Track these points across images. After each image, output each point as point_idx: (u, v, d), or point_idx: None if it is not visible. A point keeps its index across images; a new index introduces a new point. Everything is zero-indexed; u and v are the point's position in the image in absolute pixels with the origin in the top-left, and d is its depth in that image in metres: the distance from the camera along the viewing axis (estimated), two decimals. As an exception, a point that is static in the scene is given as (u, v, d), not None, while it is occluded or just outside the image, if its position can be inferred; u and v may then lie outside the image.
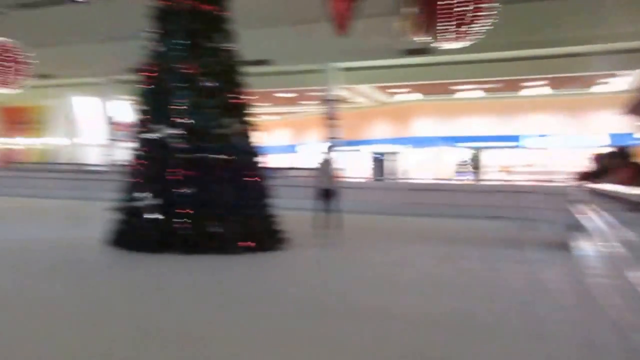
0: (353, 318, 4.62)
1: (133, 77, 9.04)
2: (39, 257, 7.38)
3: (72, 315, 4.61)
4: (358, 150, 26.83)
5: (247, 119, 8.32)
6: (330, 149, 9.95)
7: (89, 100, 24.98)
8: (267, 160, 9.00)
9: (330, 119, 19.24)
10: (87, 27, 22.85)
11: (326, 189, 9.10)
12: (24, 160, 27.85)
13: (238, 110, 8.15)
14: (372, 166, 27.56)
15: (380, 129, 27.49)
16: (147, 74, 8.04)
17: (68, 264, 6.97)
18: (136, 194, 7.67)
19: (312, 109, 26.61)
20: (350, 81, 20.17)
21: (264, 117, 29.23)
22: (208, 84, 7.80)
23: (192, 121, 7.68)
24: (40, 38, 23.05)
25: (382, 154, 27.56)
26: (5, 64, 19.09)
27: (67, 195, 18.51)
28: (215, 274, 6.47)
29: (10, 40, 19.48)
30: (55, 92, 24.70)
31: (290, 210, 9.31)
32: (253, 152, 8.34)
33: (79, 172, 22.59)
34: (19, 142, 28.78)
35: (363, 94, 24.23)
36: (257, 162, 8.37)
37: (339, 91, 19.94)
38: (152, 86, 7.96)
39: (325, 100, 19.53)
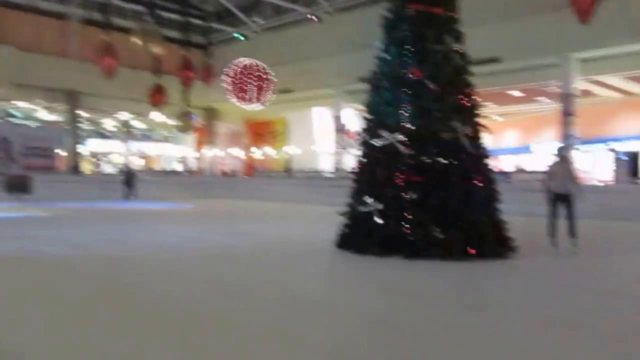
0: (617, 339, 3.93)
1: (362, 86, 9.39)
2: (278, 253, 8.17)
3: (329, 309, 4.90)
4: (600, 149, 23.59)
5: (475, 120, 7.95)
6: (565, 148, 8.87)
7: (323, 111, 27.02)
8: (496, 163, 8.45)
9: (566, 116, 17.30)
10: (320, 43, 24.92)
11: (561, 193, 8.13)
12: (266, 168, 31.56)
13: (466, 113, 7.82)
14: (616, 166, 23.92)
15: (628, 125, 23.74)
16: (374, 81, 8.25)
17: (302, 261, 7.56)
18: (363, 199, 7.90)
19: (544, 107, 24.39)
20: (590, 72, 17.84)
21: (493, 118, 27.82)
22: (436, 87, 7.64)
23: (419, 126, 7.62)
24: (280, 57, 25.96)
25: (629, 152, 23.74)
26: (253, 82, 21.87)
27: (303, 200, 20.31)
28: (447, 278, 6.32)
29: (256, 61, 22.28)
30: (293, 105, 27.35)
31: (520, 216, 8.63)
32: (481, 155, 7.92)
33: (314, 179, 24.65)
34: (262, 152, 32.64)
35: (606, 85, 21.24)
36: (485, 166, 7.93)
37: (577, 84, 17.79)
38: (379, 93, 8.13)
39: (561, 96, 17.63)
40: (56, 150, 23.51)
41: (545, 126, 25.24)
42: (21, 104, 28.42)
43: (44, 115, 32.20)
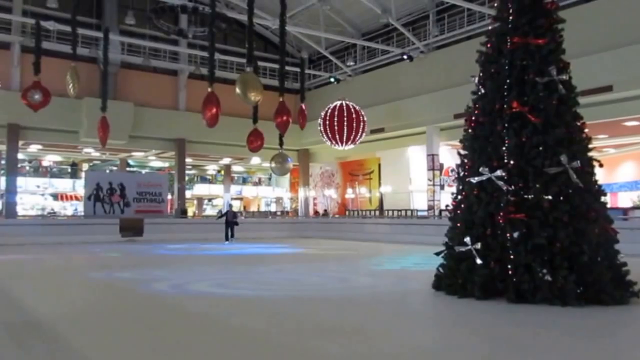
0: None
1: (457, 122, 9.24)
2: (371, 294, 8.02)
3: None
4: None
5: (585, 154, 7.46)
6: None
7: (417, 149, 26.78)
8: (611, 199, 7.82)
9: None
10: (413, 82, 24.97)
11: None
12: (359, 207, 31.57)
13: (574, 145, 7.36)
14: None
15: None
16: (471, 117, 8.07)
17: (397, 304, 7.36)
18: (461, 238, 7.61)
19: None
20: None
21: (608, 150, 25.92)
22: (538, 120, 7.31)
23: (520, 161, 7.29)
24: (372, 97, 26.30)
25: None
26: (346, 123, 22.22)
27: (397, 239, 19.99)
28: (558, 326, 5.77)
29: (348, 102, 22.69)
30: (386, 144, 27.40)
31: (642, 258, 7.82)
32: (593, 190, 7.36)
33: (408, 218, 24.28)
34: (355, 192, 32.77)
35: None
36: (598, 202, 7.35)
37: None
38: (476, 128, 7.91)
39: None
40: (165, 195, 25.21)
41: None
42: (137, 153, 31.04)
43: (155, 162, 34.94)
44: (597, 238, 7.03)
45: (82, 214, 24.76)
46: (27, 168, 32.75)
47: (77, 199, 31.80)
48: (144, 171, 35.07)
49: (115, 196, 23.35)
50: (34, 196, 31.99)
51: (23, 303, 7.39)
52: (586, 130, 7.67)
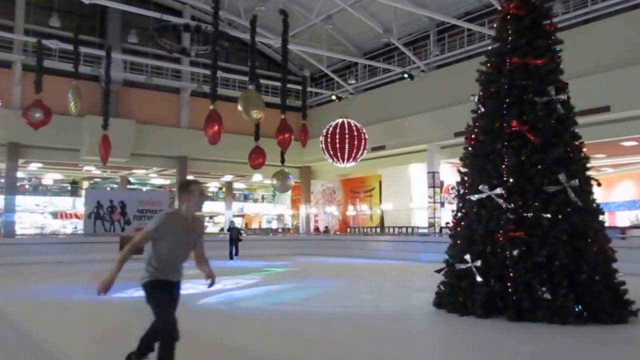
0: None
1: (457, 141, 9.31)
2: (372, 313, 8.00)
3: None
4: None
5: (584, 173, 7.53)
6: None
7: (417, 166, 26.87)
8: (609, 218, 7.86)
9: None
10: (414, 100, 25.15)
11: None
12: (360, 224, 31.56)
13: (573, 165, 7.43)
14: None
15: None
16: (472, 135, 8.15)
17: (398, 322, 7.35)
18: (462, 255, 7.63)
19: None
20: None
21: (606, 170, 25.97)
22: (537, 139, 7.39)
23: (520, 179, 7.35)
24: (374, 115, 26.46)
25: None
26: (348, 141, 22.32)
27: (397, 256, 19.96)
28: (558, 345, 5.77)
29: (350, 120, 22.83)
30: (387, 162, 27.49)
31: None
32: (591, 209, 7.41)
33: (409, 235, 24.27)
34: (356, 209, 32.80)
35: None
36: (596, 221, 7.39)
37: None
38: (477, 147, 7.99)
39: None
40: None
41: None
42: (138, 170, 31.14)
43: (156, 180, 35.03)
44: (595, 257, 7.07)
45: (82, 232, 24.73)
46: (27, 186, 32.82)
47: (77, 217, 31.80)
48: (145, 189, 35.13)
49: (116, 214, 23.35)
50: (33, 215, 31.98)
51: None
52: (584, 149, 7.76)
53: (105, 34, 26.68)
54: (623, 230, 17.28)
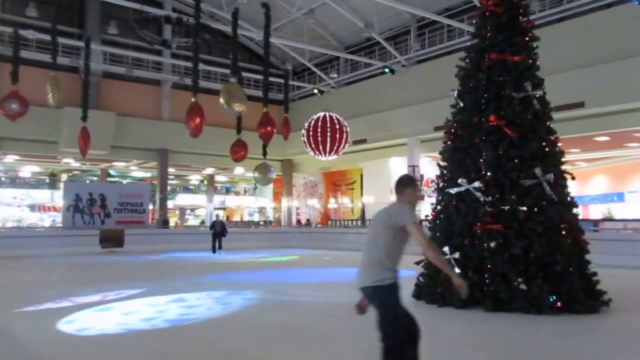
0: None
1: (437, 135, 9.44)
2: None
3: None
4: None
5: (558, 167, 7.73)
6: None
7: (398, 160, 27.08)
8: (583, 211, 8.09)
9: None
10: (395, 94, 25.33)
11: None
12: (341, 217, 31.73)
13: (548, 159, 7.62)
14: None
15: None
16: (451, 130, 8.30)
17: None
18: (440, 248, 7.76)
19: (638, 152, 22.99)
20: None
21: (580, 164, 26.50)
22: (514, 134, 7.55)
23: (497, 173, 7.51)
24: (355, 109, 26.57)
25: None
26: (329, 134, 22.37)
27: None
28: (532, 334, 5.95)
29: (332, 113, 22.89)
30: (368, 155, 27.66)
31: (612, 268, 8.05)
32: (566, 203, 7.62)
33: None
34: (338, 202, 32.96)
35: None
36: (570, 214, 7.61)
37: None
38: (456, 141, 8.13)
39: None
40: (147, 205, 25.04)
41: (638, 173, 23.72)
42: (118, 163, 30.81)
43: (137, 173, 34.68)
44: (569, 249, 7.27)
45: (61, 225, 24.44)
46: (4, 179, 32.23)
47: (55, 210, 31.38)
48: (125, 181, 34.80)
49: (96, 207, 23.14)
50: (9, 208, 31.44)
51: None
52: (559, 144, 7.95)
53: (84, 25, 26.24)
54: (596, 222, 17.72)
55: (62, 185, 30.04)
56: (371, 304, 3.61)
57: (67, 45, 24.09)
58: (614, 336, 6.12)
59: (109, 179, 33.04)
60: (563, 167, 7.86)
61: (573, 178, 7.93)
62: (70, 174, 34.77)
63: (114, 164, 30.86)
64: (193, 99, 17.25)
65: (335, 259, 17.70)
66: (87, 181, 34.01)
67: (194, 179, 38.86)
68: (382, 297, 3.53)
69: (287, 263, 16.68)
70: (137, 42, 26.25)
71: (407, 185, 3.80)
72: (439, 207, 8.23)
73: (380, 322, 3.51)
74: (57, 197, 29.74)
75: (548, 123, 7.93)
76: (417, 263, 8.32)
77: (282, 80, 27.09)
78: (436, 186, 8.49)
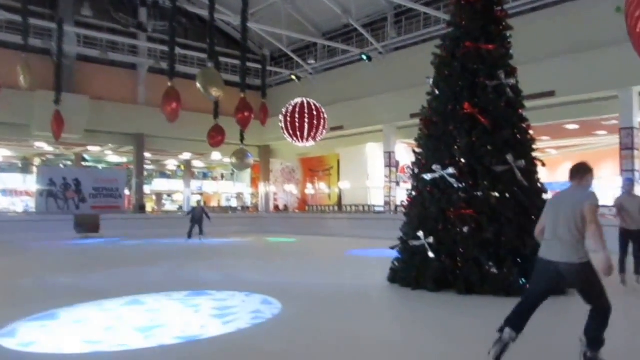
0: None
1: (413, 122, 9.56)
2: (330, 288, 8.29)
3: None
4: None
5: (530, 154, 7.94)
6: (628, 183, 8.62)
7: (374, 146, 27.29)
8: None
9: (627, 150, 16.76)
10: (372, 82, 25.43)
11: (631, 229, 7.85)
12: (318, 203, 31.91)
13: (520, 146, 7.83)
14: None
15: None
16: (426, 117, 8.44)
17: (354, 297, 7.66)
18: (415, 233, 7.96)
19: (604, 141, 23.64)
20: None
21: (550, 152, 27.09)
22: (487, 121, 7.71)
23: (471, 160, 7.67)
24: (333, 96, 26.62)
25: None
26: (307, 120, 22.39)
27: (354, 234, 20.40)
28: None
29: (309, 100, 22.90)
30: (345, 142, 27.79)
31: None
32: (537, 189, 7.86)
33: (365, 213, 24.76)
34: (315, 188, 33.12)
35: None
36: (541, 200, 7.84)
37: (639, 118, 17.22)
38: (431, 128, 8.28)
39: (621, 130, 17.12)
40: (122, 190, 24.78)
41: (606, 160, 24.37)
42: (93, 148, 30.34)
43: (112, 158, 34.21)
44: (539, 233, 7.51)
45: (34, 210, 24.05)
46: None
47: (28, 195, 30.82)
48: (100, 166, 34.31)
49: (70, 192, 22.82)
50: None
51: None
52: (531, 132, 8.17)
53: (57, 6, 25.59)
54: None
55: (35, 169, 29.47)
56: (570, 277, 4.10)
57: (38, 26, 23.51)
58: (578, 316, 6.39)
59: (83, 163, 32.54)
60: (534, 155, 8.06)
61: (543, 165, 8.16)
62: (43, 159, 34.11)
63: (89, 148, 30.39)
64: (169, 84, 17.09)
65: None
66: (61, 166, 33.42)
67: (171, 164, 38.50)
68: (587, 271, 4.01)
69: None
70: (111, 25, 25.75)
71: (588, 172, 4.25)
72: (414, 193, 8.38)
73: (589, 291, 4.07)
74: (30, 182, 29.20)
75: (520, 111, 8.12)
76: (392, 248, 8.53)
77: (259, 66, 26.94)
78: (411, 172, 8.64)
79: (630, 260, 7.94)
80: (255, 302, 6.95)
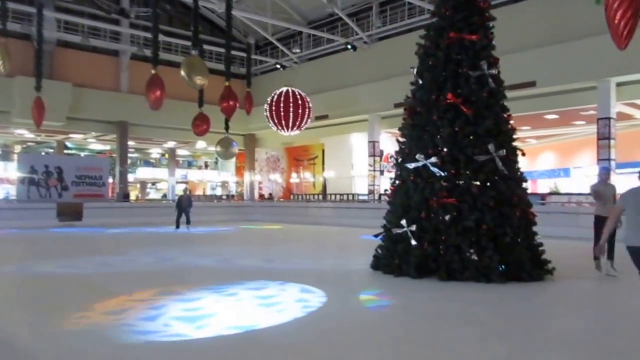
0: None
1: (397, 111, 9.64)
2: (313, 275, 8.41)
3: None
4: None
5: (510, 144, 8.09)
6: (604, 172, 8.85)
7: (358, 136, 27.41)
8: (532, 186, 8.52)
9: (604, 140, 17.11)
10: (356, 71, 25.48)
11: (605, 216, 8.07)
12: (303, 192, 32.01)
13: (501, 136, 7.96)
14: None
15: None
16: (410, 107, 8.53)
17: (338, 283, 7.78)
18: (398, 221, 8.08)
19: (582, 130, 24.08)
20: (629, 96, 17.63)
21: (530, 141, 27.49)
22: (470, 111, 7.83)
23: (453, 149, 7.79)
24: (317, 85, 26.63)
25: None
26: (292, 109, 22.42)
27: (339, 222, 20.54)
28: (481, 302, 6.34)
29: (294, 89, 22.90)
30: (330, 131, 27.86)
31: (556, 239, 8.55)
32: (517, 178, 8.02)
33: (350, 202, 24.93)
34: (300, 176, 33.19)
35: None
36: (520, 188, 8.02)
37: (616, 108, 17.58)
38: (415, 118, 8.38)
39: (599, 120, 17.46)
40: (106, 179, 24.57)
41: (584, 150, 24.83)
42: (75, 135, 29.97)
43: (95, 145, 33.85)
44: (518, 221, 7.69)
45: (15, 197, 23.74)
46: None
47: (9, 182, 30.38)
48: (83, 154, 33.92)
49: (52, 180, 22.56)
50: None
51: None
52: (512, 122, 8.31)
53: (37, -10, 25.08)
54: (543, 196, 18.63)
55: (15, 157, 29.05)
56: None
57: (17, 10, 23.08)
58: (556, 302, 6.60)
59: (65, 151, 32.15)
60: (514, 144, 8.21)
61: (523, 154, 8.31)
62: (24, 146, 33.64)
63: (71, 136, 30.04)
64: (153, 71, 16.90)
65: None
66: (43, 153, 33.00)
67: (155, 152, 38.24)
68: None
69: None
70: (93, 10, 25.34)
71: None
72: (397, 182, 8.48)
73: None
74: (11, 170, 28.80)
75: (502, 101, 8.24)
76: (376, 236, 8.67)
77: (244, 54, 26.78)
78: (395, 161, 8.74)
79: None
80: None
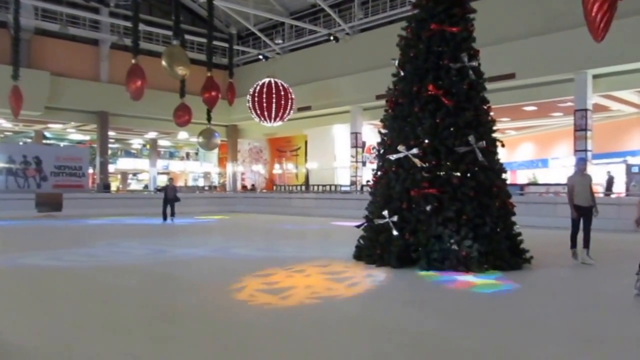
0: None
1: (379, 103, 9.70)
2: (296, 265, 8.47)
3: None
4: (615, 163, 23.41)
5: (490, 135, 8.20)
6: (584, 162, 9.05)
7: (341, 127, 27.48)
8: (511, 176, 8.67)
9: (581, 131, 17.45)
10: (339, 62, 25.50)
11: (582, 205, 8.28)
12: (286, 182, 32.05)
13: (481, 127, 8.05)
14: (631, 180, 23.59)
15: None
16: (392, 98, 8.59)
17: (321, 275, 7.86)
18: (380, 211, 8.16)
19: (560, 121, 24.49)
20: (605, 88, 17.98)
21: (510, 132, 27.85)
22: (451, 103, 7.91)
23: (434, 140, 7.88)
24: (300, 76, 26.59)
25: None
26: (275, 100, 22.39)
27: (321, 213, 20.63)
28: (460, 290, 6.48)
29: (277, 80, 22.84)
30: (312, 122, 27.88)
31: (534, 229, 8.73)
32: (497, 169, 8.15)
33: (332, 193, 25.04)
34: (282, 167, 33.19)
35: (621, 100, 21.20)
36: (499, 179, 8.15)
37: (592, 100, 17.92)
38: (396, 109, 8.45)
39: (576, 111, 17.79)
40: (86, 169, 24.30)
41: (561, 141, 25.25)
42: (54, 125, 29.51)
43: (75, 135, 33.38)
44: (497, 211, 7.84)
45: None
46: None
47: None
48: (62, 144, 33.44)
49: (31, 170, 22.25)
50: None
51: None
52: (492, 113, 8.43)
53: (13, -23, 24.55)
54: (522, 187, 18.96)
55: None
56: None
57: (-7, -3, 22.59)
58: (533, 289, 6.77)
59: (44, 141, 31.67)
60: (494, 135, 8.31)
61: (503, 145, 8.43)
62: (1, 135, 33.05)
63: (50, 125, 29.60)
64: (133, 61, 16.76)
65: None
66: (20, 143, 32.45)
67: (136, 142, 37.87)
68: None
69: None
70: (72, -2, 24.92)
71: None
72: (379, 173, 8.56)
73: None
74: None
75: (482, 93, 8.33)
76: (358, 226, 8.75)
77: (226, 45, 26.61)
78: (377, 153, 8.80)
79: (580, 236, 8.38)
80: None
